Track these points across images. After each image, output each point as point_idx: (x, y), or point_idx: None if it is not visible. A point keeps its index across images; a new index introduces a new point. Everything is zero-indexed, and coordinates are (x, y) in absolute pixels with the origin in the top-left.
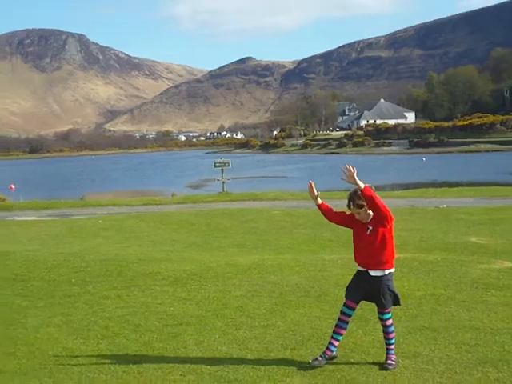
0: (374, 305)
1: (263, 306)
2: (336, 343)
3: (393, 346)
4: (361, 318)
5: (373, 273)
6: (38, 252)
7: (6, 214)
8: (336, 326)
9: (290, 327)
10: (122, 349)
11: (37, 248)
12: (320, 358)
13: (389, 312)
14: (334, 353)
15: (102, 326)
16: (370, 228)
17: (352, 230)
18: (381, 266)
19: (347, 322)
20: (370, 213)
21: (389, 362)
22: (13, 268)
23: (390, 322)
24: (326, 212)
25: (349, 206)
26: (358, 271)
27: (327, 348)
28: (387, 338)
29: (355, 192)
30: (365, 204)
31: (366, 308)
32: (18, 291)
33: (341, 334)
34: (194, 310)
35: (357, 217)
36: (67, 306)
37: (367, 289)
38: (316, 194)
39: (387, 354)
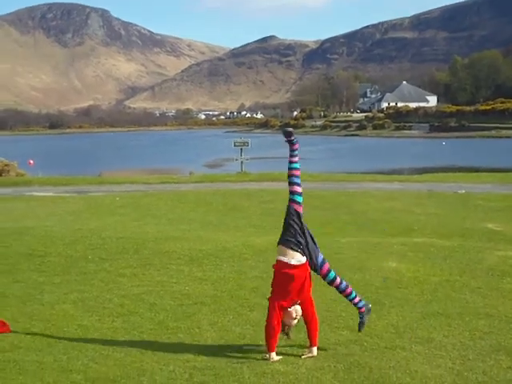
0: (389, 289)
1: None
2: None
3: (357, 300)
4: (375, 302)
5: None
6: (55, 228)
7: (24, 189)
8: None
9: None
10: (136, 327)
11: (54, 224)
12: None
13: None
14: None
15: (117, 304)
16: None
17: None
18: None
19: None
20: None
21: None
22: (30, 243)
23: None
24: None
25: None
26: None
27: None
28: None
29: None
30: None
31: (381, 292)
32: (34, 267)
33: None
34: (209, 290)
35: None
36: (83, 283)
37: None
38: None
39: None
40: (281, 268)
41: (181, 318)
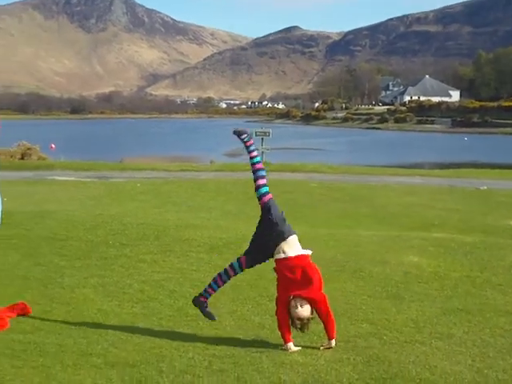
0: (410, 283)
1: None
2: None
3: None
4: (395, 296)
5: None
6: (76, 212)
7: (46, 173)
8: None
9: None
10: (156, 313)
11: (75, 208)
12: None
13: None
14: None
15: (137, 290)
16: None
17: None
18: None
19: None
20: None
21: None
22: (52, 227)
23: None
24: None
25: None
26: None
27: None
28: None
29: None
30: None
31: (401, 286)
32: (56, 250)
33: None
34: None
35: None
36: (103, 268)
37: None
38: None
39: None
40: (278, 264)
41: None
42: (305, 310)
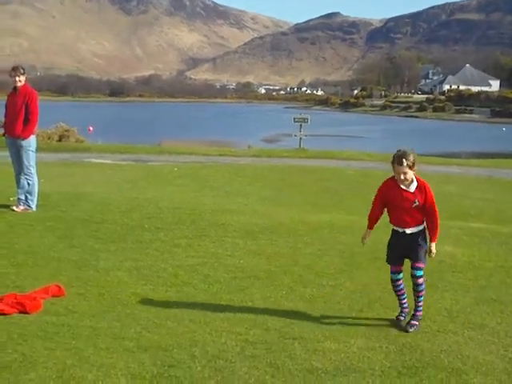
0: (444, 273)
1: (332, 265)
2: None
3: (421, 304)
4: (430, 285)
5: (410, 231)
6: (112, 195)
7: (83, 156)
8: (396, 292)
9: (357, 288)
10: (189, 298)
11: (111, 191)
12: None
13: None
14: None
15: (171, 274)
16: (416, 203)
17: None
18: (419, 224)
19: (402, 286)
20: (414, 178)
21: (413, 322)
22: (87, 209)
23: (422, 279)
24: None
25: (399, 164)
26: (395, 232)
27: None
28: (417, 296)
29: (406, 153)
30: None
31: (435, 275)
32: (91, 233)
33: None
34: (263, 264)
35: (401, 177)
36: (138, 252)
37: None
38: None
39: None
40: None
41: (234, 290)
42: None
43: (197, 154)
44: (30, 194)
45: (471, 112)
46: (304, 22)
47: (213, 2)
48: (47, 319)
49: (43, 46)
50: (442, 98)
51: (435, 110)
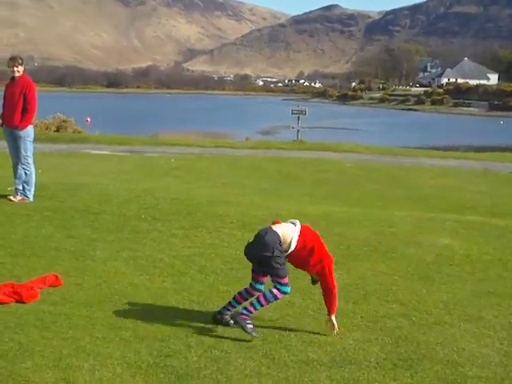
0: (441, 265)
1: None
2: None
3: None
4: (426, 277)
5: None
6: (109, 186)
7: (80, 146)
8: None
9: (354, 281)
10: (186, 288)
11: (109, 182)
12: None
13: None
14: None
15: (168, 264)
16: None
17: None
18: None
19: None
20: None
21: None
22: (85, 200)
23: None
24: None
25: None
26: None
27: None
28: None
29: None
30: None
31: (433, 268)
32: (88, 223)
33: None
34: None
35: None
36: (135, 242)
37: None
38: None
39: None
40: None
41: (231, 281)
42: None
43: (193, 145)
44: (28, 184)
45: (469, 105)
46: (303, 14)
47: None
48: (44, 308)
49: (41, 37)
50: (440, 91)
51: (433, 103)
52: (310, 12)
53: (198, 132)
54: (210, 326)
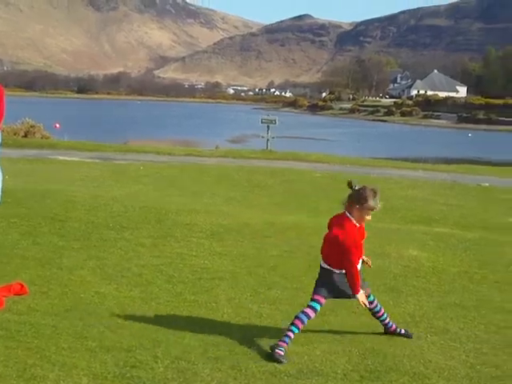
0: (408, 277)
1: (297, 267)
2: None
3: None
4: (393, 289)
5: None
6: (77, 193)
7: (48, 152)
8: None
9: None
10: (154, 298)
11: (77, 189)
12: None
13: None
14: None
15: (135, 274)
16: None
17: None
18: None
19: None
20: None
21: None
22: (52, 207)
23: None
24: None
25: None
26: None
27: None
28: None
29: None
30: None
31: (400, 280)
32: (55, 230)
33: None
34: (228, 265)
35: (367, 218)
36: (102, 250)
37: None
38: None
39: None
40: None
41: (199, 291)
42: None
43: (163, 153)
44: None
45: (438, 117)
46: (274, 24)
47: (183, 0)
48: (9, 317)
49: (10, 41)
50: (410, 102)
51: (403, 114)
52: (282, 21)
53: (169, 140)
54: (177, 336)
